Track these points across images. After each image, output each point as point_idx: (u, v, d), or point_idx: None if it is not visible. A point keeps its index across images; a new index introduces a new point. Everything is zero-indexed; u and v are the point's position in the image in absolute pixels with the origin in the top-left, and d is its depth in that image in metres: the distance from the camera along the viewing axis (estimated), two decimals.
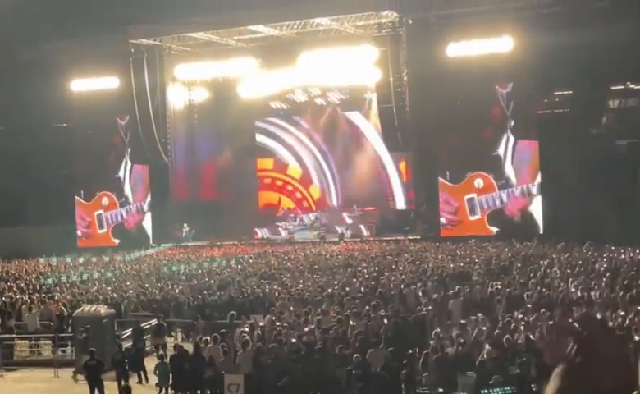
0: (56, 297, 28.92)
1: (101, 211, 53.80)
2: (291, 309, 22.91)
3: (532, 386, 15.17)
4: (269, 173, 54.48)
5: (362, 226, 48.44)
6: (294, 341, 18.51)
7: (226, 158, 54.29)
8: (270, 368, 17.35)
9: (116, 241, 52.22)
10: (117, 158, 52.73)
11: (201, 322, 23.57)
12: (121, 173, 52.96)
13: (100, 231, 53.91)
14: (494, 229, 44.28)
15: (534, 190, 44.03)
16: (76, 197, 53.53)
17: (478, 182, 45.39)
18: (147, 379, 21.20)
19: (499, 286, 23.80)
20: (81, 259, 42.59)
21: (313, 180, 53.47)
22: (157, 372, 19.92)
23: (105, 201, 53.81)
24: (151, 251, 46.70)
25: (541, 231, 41.63)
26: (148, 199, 52.39)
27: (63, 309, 26.08)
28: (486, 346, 16.83)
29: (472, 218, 45.54)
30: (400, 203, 51.56)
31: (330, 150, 52.75)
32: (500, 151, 44.37)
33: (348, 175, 52.17)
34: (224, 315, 23.84)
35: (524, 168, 44.25)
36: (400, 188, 51.35)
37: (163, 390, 19.80)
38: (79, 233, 53.72)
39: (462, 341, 17.35)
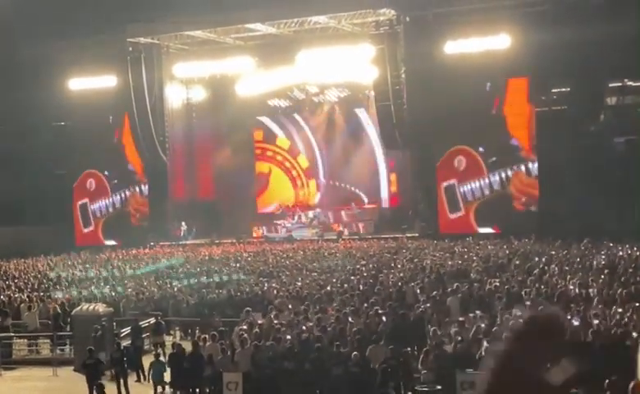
0: (55, 296, 28.90)
1: (85, 200, 44.48)
2: (290, 306, 22.92)
3: None
4: (259, 144, 54.13)
5: (360, 224, 48.38)
6: (288, 337, 18.52)
7: (224, 155, 54.26)
8: (268, 367, 17.35)
9: (110, 243, 46.85)
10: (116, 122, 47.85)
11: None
12: (118, 138, 45.50)
13: (85, 230, 45.04)
14: (486, 231, 36.38)
15: (534, 169, 35.60)
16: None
17: (459, 161, 35.17)
18: (145, 377, 21.22)
19: (497, 283, 23.82)
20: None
21: (300, 151, 52.82)
22: (151, 370, 19.92)
23: (91, 184, 43.70)
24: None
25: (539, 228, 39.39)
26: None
27: (57, 307, 26.06)
28: (485, 343, 16.85)
29: (452, 216, 35.86)
30: (386, 202, 50.63)
31: (327, 146, 52.59)
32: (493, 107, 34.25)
33: (345, 171, 52.02)
34: (224, 313, 23.89)
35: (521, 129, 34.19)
36: (387, 186, 50.78)
37: (159, 387, 19.80)
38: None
39: (460, 338, 17.37)
